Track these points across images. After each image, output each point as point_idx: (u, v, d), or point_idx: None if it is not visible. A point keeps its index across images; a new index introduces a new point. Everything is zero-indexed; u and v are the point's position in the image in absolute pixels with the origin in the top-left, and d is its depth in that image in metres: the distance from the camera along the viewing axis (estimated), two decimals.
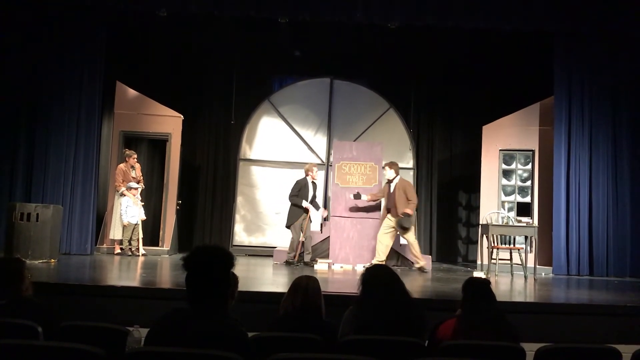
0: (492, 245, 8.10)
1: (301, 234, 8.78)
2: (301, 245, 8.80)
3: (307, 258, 8.73)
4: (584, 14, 8.68)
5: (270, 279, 7.16)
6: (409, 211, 8.27)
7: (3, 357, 2.36)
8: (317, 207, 9.04)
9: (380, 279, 3.32)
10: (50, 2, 8.63)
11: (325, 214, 9.58)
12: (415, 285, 6.88)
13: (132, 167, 9.25)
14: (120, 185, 9.05)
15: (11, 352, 2.38)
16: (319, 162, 10.88)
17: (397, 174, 8.59)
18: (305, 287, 3.38)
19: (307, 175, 9.05)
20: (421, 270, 8.34)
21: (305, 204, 8.80)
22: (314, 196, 9.03)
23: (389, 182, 8.58)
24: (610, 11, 8.68)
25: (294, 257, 8.71)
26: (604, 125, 9.05)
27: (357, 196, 8.72)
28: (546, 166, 9.35)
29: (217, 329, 2.42)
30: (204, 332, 2.39)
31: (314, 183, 9.09)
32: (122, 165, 9.18)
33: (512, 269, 8.33)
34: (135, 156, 9.31)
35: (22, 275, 3.26)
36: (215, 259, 2.53)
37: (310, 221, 8.95)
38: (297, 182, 9.03)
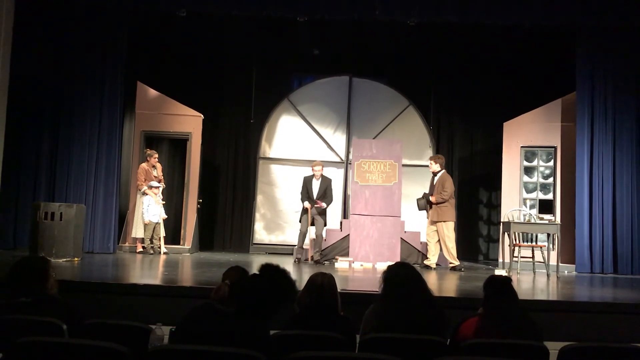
0: (514, 243, 8.03)
1: (311, 231, 8.83)
2: (312, 243, 8.87)
3: (316, 257, 8.74)
4: (606, 9, 8.55)
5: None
6: (433, 199, 8.47)
7: (29, 354, 2.40)
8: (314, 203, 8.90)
9: (402, 277, 3.30)
10: (72, 3, 8.73)
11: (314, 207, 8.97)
12: (436, 283, 6.85)
13: (154, 166, 9.32)
14: (142, 184, 9.14)
15: (37, 348, 2.42)
16: (338, 160, 10.89)
17: (442, 168, 8.73)
18: (320, 284, 3.40)
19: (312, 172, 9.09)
20: (427, 267, 8.48)
21: (306, 204, 8.86)
22: (319, 193, 8.93)
23: (434, 175, 8.77)
24: (633, 5, 8.54)
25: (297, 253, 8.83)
26: (628, 120, 8.90)
27: (425, 204, 8.71)
28: (568, 163, 9.23)
29: (240, 327, 2.43)
30: (228, 330, 2.41)
31: (323, 178, 9.03)
32: (144, 165, 9.27)
33: (534, 267, 8.24)
34: (157, 156, 9.38)
35: (47, 274, 3.31)
36: (278, 291, 2.61)
37: (324, 223, 8.89)
38: (303, 179, 9.14)
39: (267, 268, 2.76)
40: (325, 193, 8.93)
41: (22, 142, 8.78)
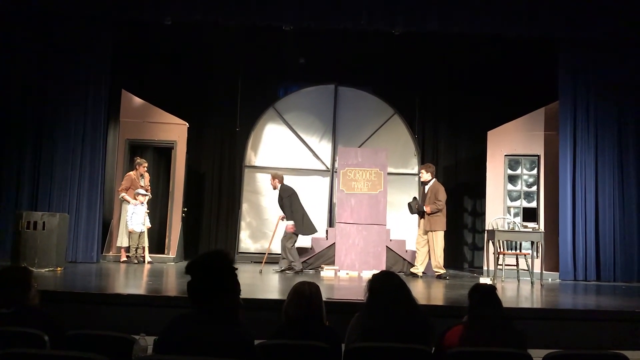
0: (498, 251, 8.07)
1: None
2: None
3: (283, 265, 8.71)
4: (587, 20, 8.68)
5: (275, 286, 7.16)
6: (427, 209, 8.47)
7: None
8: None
9: (387, 286, 3.30)
10: (56, 11, 8.68)
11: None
12: (422, 291, 6.87)
13: (142, 175, 9.26)
14: (121, 191, 9.08)
15: None
16: (324, 168, 10.90)
17: (433, 176, 8.74)
18: (309, 295, 3.37)
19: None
20: (413, 275, 8.51)
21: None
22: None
23: (424, 184, 8.78)
24: (613, 17, 8.68)
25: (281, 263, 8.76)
26: (610, 129, 9.02)
27: (417, 209, 8.70)
28: (552, 171, 9.32)
29: (224, 336, 2.41)
30: (211, 340, 2.39)
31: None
32: (132, 173, 9.22)
33: (518, 275, 8.29)
34: (146, 165, 9.33)
35: (28, 284, 3.27)
36: (212, 260, 2.53)
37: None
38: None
39: (194, 265, 2.60)
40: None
41: (4, 150, 8.71)
